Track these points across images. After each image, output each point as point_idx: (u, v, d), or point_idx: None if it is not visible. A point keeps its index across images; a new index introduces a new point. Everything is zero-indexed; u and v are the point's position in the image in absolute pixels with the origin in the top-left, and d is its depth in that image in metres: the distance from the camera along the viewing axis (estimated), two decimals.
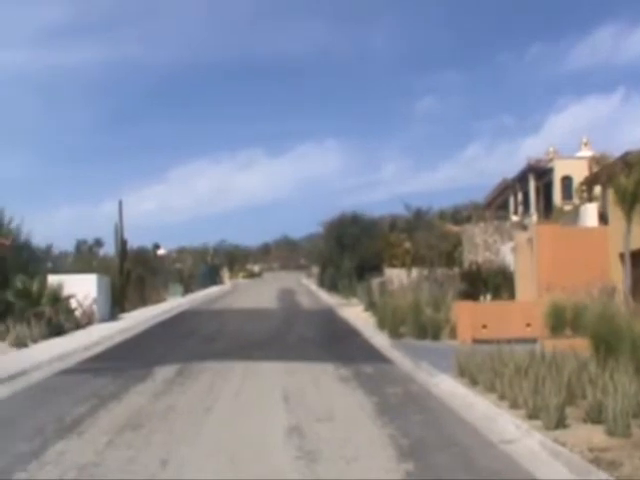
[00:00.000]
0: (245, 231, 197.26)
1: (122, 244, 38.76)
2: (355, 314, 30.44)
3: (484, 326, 18.64)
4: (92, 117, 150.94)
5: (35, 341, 20.46)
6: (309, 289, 61.50)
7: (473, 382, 12.32)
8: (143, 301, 39.95)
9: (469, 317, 19.17)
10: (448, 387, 12.68)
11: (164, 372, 15.29)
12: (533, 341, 16.03)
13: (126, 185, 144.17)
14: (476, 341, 17.64)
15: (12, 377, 14.49)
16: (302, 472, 7.58)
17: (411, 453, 8.25)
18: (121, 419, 10.49)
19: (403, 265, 38.71)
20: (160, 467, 7.81)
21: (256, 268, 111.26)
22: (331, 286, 50.30)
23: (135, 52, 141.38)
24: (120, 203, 38.94)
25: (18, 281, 24.36)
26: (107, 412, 11.10)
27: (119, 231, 38.71)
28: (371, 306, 29.27)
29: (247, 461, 8.12)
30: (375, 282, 36.94)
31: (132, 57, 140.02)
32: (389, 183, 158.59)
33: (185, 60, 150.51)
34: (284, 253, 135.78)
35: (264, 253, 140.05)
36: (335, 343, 21.53)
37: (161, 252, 69.00)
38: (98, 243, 58.85)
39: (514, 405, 10.17)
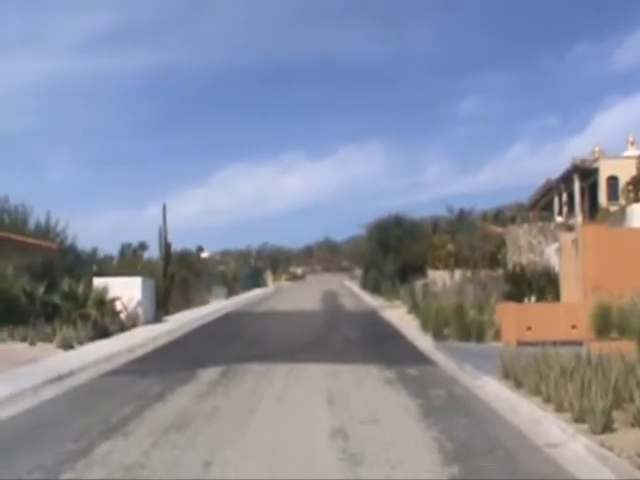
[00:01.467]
0: (288, 234, 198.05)
1: (166, 247, 39.08)
2: (398, 316, 30.33)
3: (529, 328, 18.46)
4: (137, 122, 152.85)
5: (81, 343, 20.67)
6: (352, 291, 61.50)
7: (518, 384, 12.20)
8: (187, 303, 40.18)
9: (513, 319, 18.99)
10: (492, 390, 12.58)
11: (208, 374, 15.38)
12: (579, 344, 15.82)
13: (170, 188, 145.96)
14: (520, 343, 17.47)
15: (60, 378, 14.67)
16: (346, 475, 7.57)
17: (456, 456, 8.20)
18: (166, 420, 10.57)
19: (446, 267, 38.50)
20: (204, 468, 7.86)
21: (299, 270, 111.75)
22: (374, 288, 50.21)
23: (178, 57, 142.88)
24: (164, 206, 39.24)
25: (64, 284, 24.69)
26: (152, 413, 11.20)
27: (163, 234, 39.02)
28: (414, 308, 29.15)
29: (290, 463, 8.13)
30: (418, 284, 36.80)
31: (176, 62, 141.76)
32: (432, 185, 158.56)
33: (228, 64, 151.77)
34: (326, 255, 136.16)
35: (306, 255, 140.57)
36: (378, 345, 21.47)
37: (204, 255, 69.56)
38: (142, 246, 59.20)
39: (560, 408, 10.04)
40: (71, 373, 15.39)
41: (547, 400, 10.66)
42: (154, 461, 8.21)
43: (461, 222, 47.13)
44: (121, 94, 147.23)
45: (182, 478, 7.53)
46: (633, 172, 37.39)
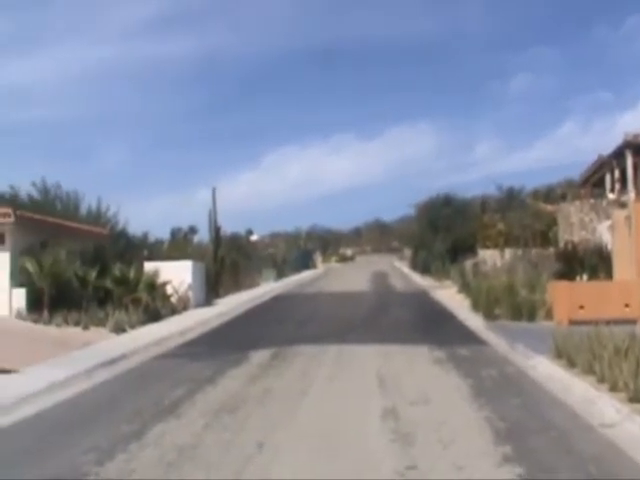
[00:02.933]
0: (337, 215, 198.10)
1: (216, 231, 39.33)
2: (449, 296, 30.20)
3: (581, 307, 18.25)
4: (186, 107, 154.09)
5: (133, 327, 20.91)
6: (402, 272, 61.36)
7: (571, 364, 12.06)
8: (237, 286, 40.38)
9: (565, 298, 18.78)
10: (545, 369, 12.45)
11: (259, 356, 15.44)
12: (632, 322, 15.62)
13: (220, 172, 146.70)
14: (573, 322, 17.28)
15: (113, 361, 14.87)
16: (398, 455, 7.55)
17: (508, 436, 8.13)
18: (217, 402, 10.63)
19: (496, 246, 38.16)
20: (256, 449, 7.89)
21: (348, 252, 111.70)
22: (424, 268, 50.02)
23: (226, 41, 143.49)
24: (214, 190, 39.48)
25: (116, 269, 24.94)
26: (204, 395, 11.27)
27: (213, 218, 39.27)
28: (465, 288, 28.98)
29: (342, 444, 8.14)
30: (468, 264, 36.56)
31: (224, 46, 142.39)
32: (482, 164, 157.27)
33: (276, 47, 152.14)
34: (376, 236, 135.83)
35: (356, 236, 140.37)
36: (429, 325, 21.41)
37: (254, 238, 69.78)
38: (192, 230, 59.64)
39: (614, 388, 9.90)
40: (123, 356, 15.59)
41: (601, 380, 10.51)
42: (207, 443, 8.27)
43: (511, 200, 46.65)
44: (171, 80, 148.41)
45: (235, 460, 7.56)
46: None
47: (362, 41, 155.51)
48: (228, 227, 48.73)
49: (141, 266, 26.81)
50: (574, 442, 7.93)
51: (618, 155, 46.97)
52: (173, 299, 26.60)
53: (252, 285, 44.42)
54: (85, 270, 23.93)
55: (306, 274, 64.08)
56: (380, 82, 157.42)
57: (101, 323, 20.83)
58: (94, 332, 19.88)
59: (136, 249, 34.67)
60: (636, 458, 7.29)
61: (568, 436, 8.18)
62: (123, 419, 9.60)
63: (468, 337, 17.96)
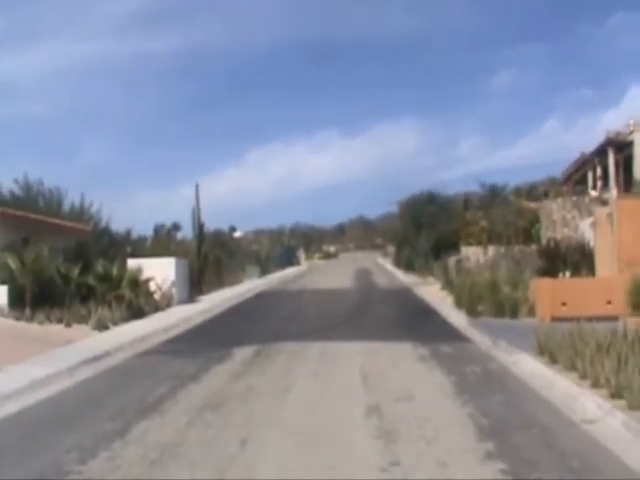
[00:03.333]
0: (321, 212, 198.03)
1: (199, 227, 39.24)
2: (432, 293, 30.26)
3: (563, 304, 18.32)
4: (171, 102, 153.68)
5: (116, 323, 20.84)
6: (385, 269, 61.43)
7: (553, 360, 12.10)
8: (220, 283, 40.30)
9: (548, 294, 18.86)
10: (527, 366, 12.49)
11: (242, 353, 15.42)
12: (614, 319, 15.68)
13: (203, 169, 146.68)
14: (555, 319, 17.33)
15: (95, 358, 14.81)
16: (381, 452, 7.57)
17: (491, 433, 8.16)
18: (201, 399, 10.62)
19: (479, 243, 38.27)
20: (240, 447, 7.88)
21: (332, 249, 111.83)
22: (407, 265, 50.12)
23: (212, 37, 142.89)
24: (197, 187, 39.39)
25: (99, 265, 24.84)
26: (187, 392, 11.26)
27: (196, 214, 39.17)
28: (448, 285, 29.06)
29: (326, 441, 8.15)
30: (451, 261, 36.65)
31: (209, 42, 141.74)
32: (466, 161, 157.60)
33: (262, 44, 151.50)
34: (359, 233, 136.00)
35: (340, 234, 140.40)
36: (412, 322, 21.45)
37: (238, 234, 69.74)
38: (176, 227, 59.45)
39: (596, 384, 9.94)
40: (106, 354, 15.54)
41: (583, 376, 10.55)
42: (190, 440, 8.26)
43: (494, 198, 46.80)
44: (156, 76, 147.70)
45: (218, 457, 7.55)
46: None
47: (348, 39, 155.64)
48: (212, 224, 48.70)
49: (124, 263, 26.71)
50: (556, 438, 7.96)
51: (600, 153, 47.17)
52: (156, 296, 26.53)
53: (236, 282, 44.31)
54: (68, 267, 23.81)
55: (290, 271, 64.06)
56: (365, 79, 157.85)
57: (84, 320, 20.71)
58: (77, 329, 19.77)
59: (119, 246, 34.52)
60: (617, 453, 7.33)
61: (551, 432, 8.22)
62: (106, 417, 9.58)
63: (451, 334, 17.99)
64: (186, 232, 49.79)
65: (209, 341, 18.17)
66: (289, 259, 74.49)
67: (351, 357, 14.61)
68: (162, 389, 11.55)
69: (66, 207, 37.37)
